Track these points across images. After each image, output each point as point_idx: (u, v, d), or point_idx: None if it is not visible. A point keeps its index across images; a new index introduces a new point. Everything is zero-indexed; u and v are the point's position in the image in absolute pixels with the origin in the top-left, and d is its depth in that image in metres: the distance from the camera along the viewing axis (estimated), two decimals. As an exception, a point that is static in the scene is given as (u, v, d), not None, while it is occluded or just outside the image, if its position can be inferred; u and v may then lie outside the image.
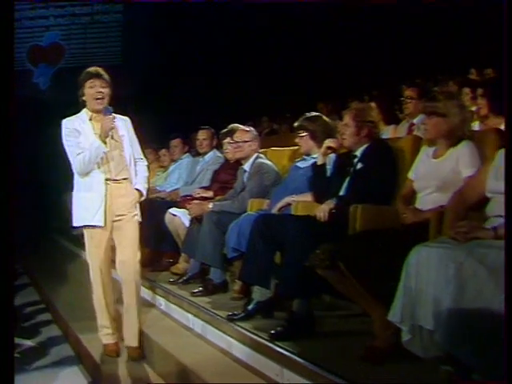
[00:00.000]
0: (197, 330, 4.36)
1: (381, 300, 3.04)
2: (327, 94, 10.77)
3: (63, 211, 10.08)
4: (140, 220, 4.36)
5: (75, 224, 4.29)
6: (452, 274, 2.50)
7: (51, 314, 6.33)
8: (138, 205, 4.34)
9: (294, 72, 12.11)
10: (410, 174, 3.69)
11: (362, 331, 3.51)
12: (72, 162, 4.20)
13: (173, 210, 5.67)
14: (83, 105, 4.28)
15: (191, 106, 12.03)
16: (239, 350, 3.72)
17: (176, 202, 5.97)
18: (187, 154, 7.09)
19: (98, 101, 4.17)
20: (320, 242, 3.38)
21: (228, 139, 5.58)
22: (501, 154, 3.04)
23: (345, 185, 4.00)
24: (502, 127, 3.74)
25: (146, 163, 4.49)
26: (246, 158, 5.23)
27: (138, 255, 4.30)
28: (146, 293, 5.30)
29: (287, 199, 4.45)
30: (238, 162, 5.50)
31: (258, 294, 3.99)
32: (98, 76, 4.19)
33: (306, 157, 4.66)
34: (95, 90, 4.17)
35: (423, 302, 2.60)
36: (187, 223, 5.42)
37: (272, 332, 3.51)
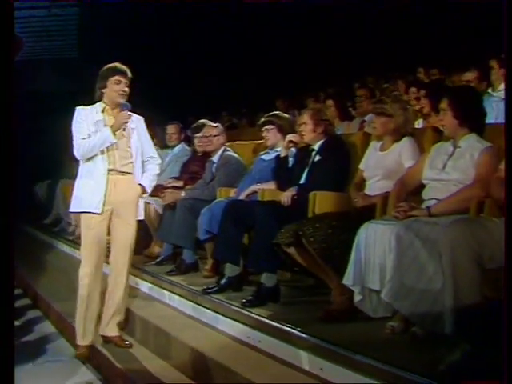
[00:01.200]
0: (173, 304, 4.87)
1: (337, 271, 3.63)
2: (282, 91, 11.34)
3: (33, 202, 10.46)
4: (141, 218, 4.46)
5: (73, 209, 4.35)
6: (393, 244, 3.12)
7: (29, 298, 6.73)
8: (141, 202, 4.45)
9: (251, 69, 12.62)
10: (361, 165, 4.29)
11: (318, 300, 4.11)
12: (75, 145, 4.22)
13: (146, 198, 6.15)
14: (100, 96, 4.31)
15: (152, 102, 12.40)
16: (213, 319, 4.26)
17: (148, 191, 6.45)
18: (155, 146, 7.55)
19: (121, 97, 4.23)
20: (284, 223, 3.98)
21: (199, 134, 6.12)
22: (435, 148, 3.67)
23: (304, 174, 4.57)
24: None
25: (159, 161, 4.56)
26: (215, 150, 5.77)
27: (130, 253, 4.37)
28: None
29: (253, 187, 5.03)
30: (205, 155, 6.06)
31: (229, 270, 4.54)
32: (125, 74, 4.25)
33: (269, 150, 5.23)
34: (120, 87, 4.22)
35: (370, 267, 3.23)
36: (160, 210, 5.94)
37: (243, 301, 4.07)
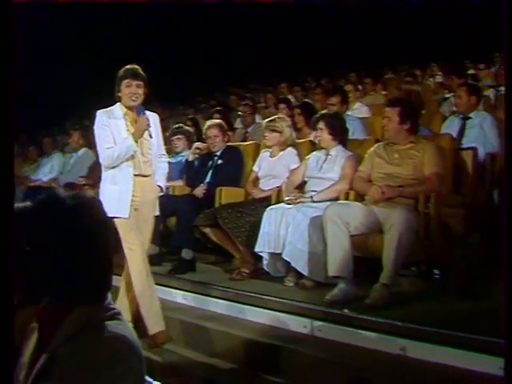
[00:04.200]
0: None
1: (245, 244, 4.95)
2: (162, 101, 12.48)
3: None
4: (157, 214, 4.54)
5: None
6: (290, 221, 4.50)
7: None
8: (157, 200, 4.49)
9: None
10: (254, 167, 5.65)
11: (224, 270, 5.42)
12: (100, 153, 4.28)
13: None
14: (118, 100, 4.34)
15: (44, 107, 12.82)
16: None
17: (57, 188, 7.43)
18: (57, 149, 8.61)
19: (133, 99, 4.24)
20: (198, 211, 5.26)
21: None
22: (313, 155, 5.09)
23: (209, 174, 5.85)
24: (312, 138, 5.82)
25: (168, 159, 4.71)
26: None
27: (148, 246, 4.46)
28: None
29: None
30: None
31: (151, 249, 5.70)
32: (135, 76, 4.24)
33: (175, 155, 6.46)
34: (131, 90, 4.23)
35: (274, 237, 4.58)
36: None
37: (170, 269, 5.29)
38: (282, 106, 7.75)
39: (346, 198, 4.61)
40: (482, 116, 5.26)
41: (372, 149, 4.66)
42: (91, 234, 1.58)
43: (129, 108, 4.30)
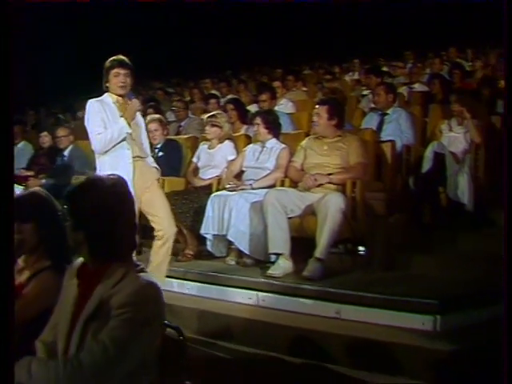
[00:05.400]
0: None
1: (190, 228, 5.43)
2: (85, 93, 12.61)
3: None
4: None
5: None
6: (232, 206, 5.03)
7: None
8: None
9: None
10: (194, 158, 6.14)
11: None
12: (92, 140, 4.41)
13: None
14: (106, 90, 4.49)
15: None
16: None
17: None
18: None
19: (122, 87, 4.43)
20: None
21: (45, 133, 7.55)
22: (250, 147, 5.63)
23: (151, 165, 6.29)
24: (243, 131, 6.37)
25: None
26: (65, 147, 7.22)
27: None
28: None
29: (106, 175, 6.62)
30: (50, 150, 7.49)
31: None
32: (122, 66, 4.40)
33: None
34: (119, 79, 4.40)
35: (218, 221, 5.10)
36: (21, 195, 7.25)
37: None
38: (212, 101, 8.28)
39: (282, 185, 5.18)
40: (398, 112, 5.94)
41: (304, 142, 5.26)
42: (124, 205, 2.09)
43: (118, 95, 4.48)
